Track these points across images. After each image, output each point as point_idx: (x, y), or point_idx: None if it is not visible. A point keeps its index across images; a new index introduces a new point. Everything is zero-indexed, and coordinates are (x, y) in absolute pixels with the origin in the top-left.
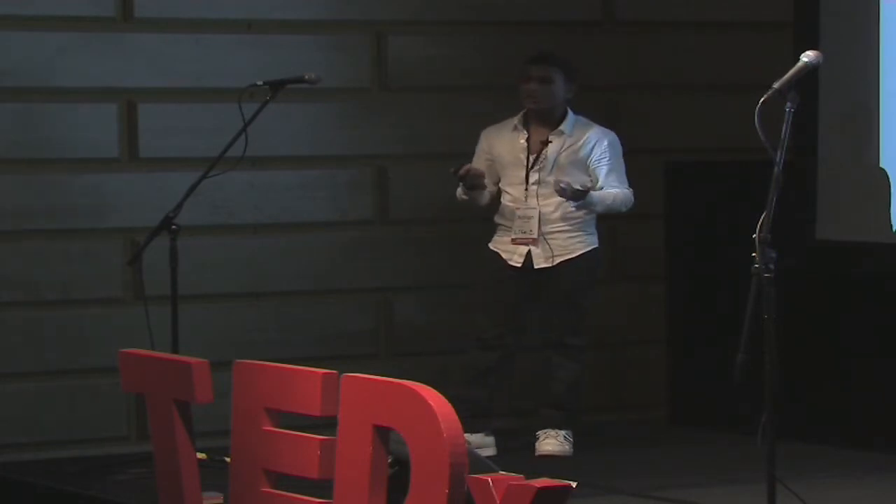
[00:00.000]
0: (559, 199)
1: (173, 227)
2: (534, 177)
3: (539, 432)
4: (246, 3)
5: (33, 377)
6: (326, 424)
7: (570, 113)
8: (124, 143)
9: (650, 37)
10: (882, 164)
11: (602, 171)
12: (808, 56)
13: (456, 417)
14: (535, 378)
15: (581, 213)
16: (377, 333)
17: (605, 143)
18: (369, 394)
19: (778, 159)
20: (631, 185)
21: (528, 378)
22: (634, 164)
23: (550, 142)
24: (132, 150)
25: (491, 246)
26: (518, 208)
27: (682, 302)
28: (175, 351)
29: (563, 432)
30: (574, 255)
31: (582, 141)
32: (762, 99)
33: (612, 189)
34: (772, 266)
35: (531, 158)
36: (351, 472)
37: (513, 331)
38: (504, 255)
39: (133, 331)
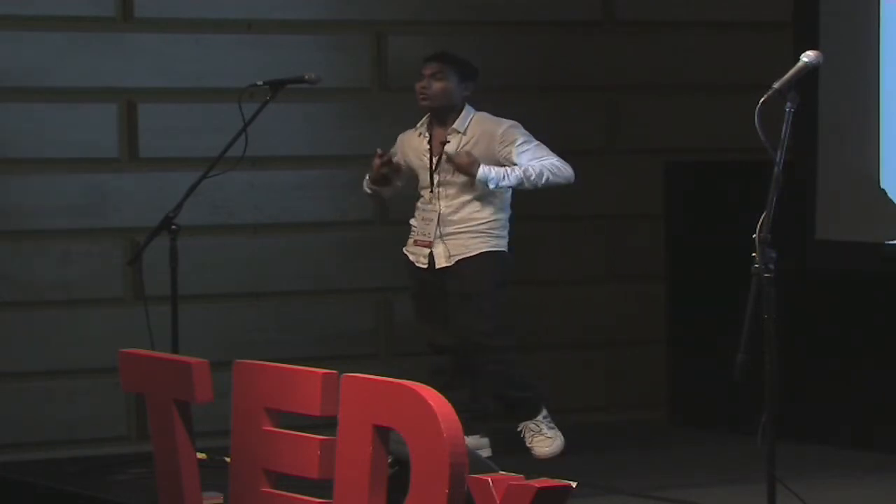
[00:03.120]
0: (461, 199)
1: (173, 227)
2: (437, 178)
3: (520, 426)
4: (246, 3)
5: (33, 377)
6: (326, 424)
7: (467, 109)
8: (124, 143)
9: (650, 37)
10: (882, 165)
11: (513, 155)
12: (808, 56)
13: (456, 417)
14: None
15: (487, 213)
16: (377, 333)
17: (501, 130)
18: (369, 394)
19: (778, 159)
20: (564, 157)
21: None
22: (635, 164)
23: (448, 141)
24: (132, 150)
25: (403, 249)
26: (424, 210)
27: (682, 302)
28: (175, 351)
29: (542, 423)
30: (473, 254)
31: (478, 135)
32: (762, 99)
33: (532, 163)
34: (772, 266)
35: (434, 160)
36: (351, 472)
37: (452, 330)
38: (411, 258)
39: (133, 331)
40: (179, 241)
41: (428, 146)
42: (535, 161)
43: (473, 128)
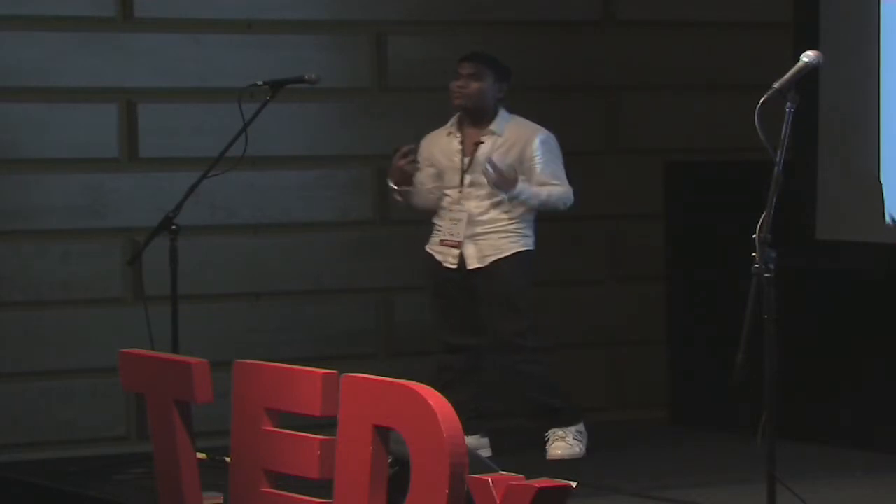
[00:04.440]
0: (491, 200)
1: (173, 227)
2: (467, 178)
3: (547, 433)
4: (246, 3)
5: (33, 377)
6: (326, 424)
7: (503, 112)
8: (124, 143)
9: (650, 37)
10: (882, 165)
11: (536, 169)
12: (808, 56)
13: (456, 417)
14: (502, 380)
15: (516, 213)
16: (377, 333)
17: (537, 140)
18: (369, 394)
19: (778, 159)
20: (570, 182)
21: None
22: (634, 164)
23: (482, 142)
24: (132, 150)
25: (427, 248)
26: (451, 210)
27: (682, 302)
28: (175, 351)
29: (571, 429)
30: (507, 254)
31: (514, 140)
32: (762, 99)
33: (549, 186)
34: (772, 266)
35: (465, 161)
36: (351, 472)
37: (468, 332)
38: (438, 257)
39: (133, 331)
40: (179, 241)
41: (459, 146)
42: (553, 187)
43: (510, 131)
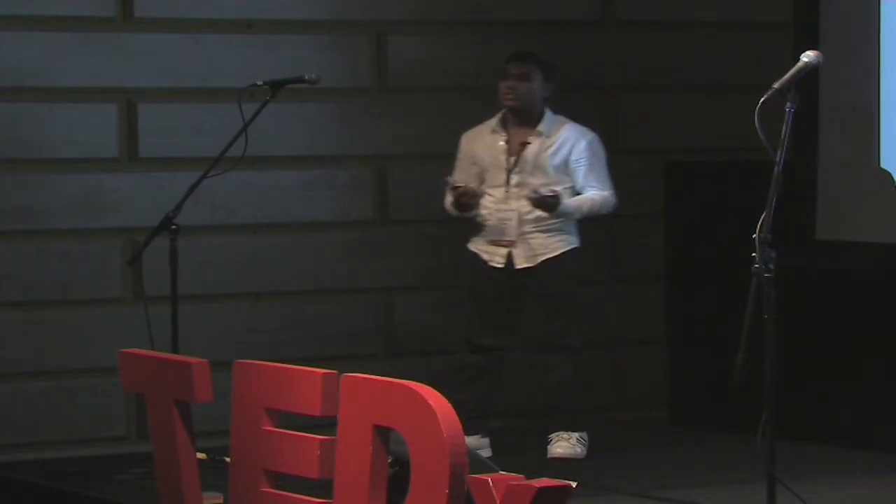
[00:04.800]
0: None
1: (173, 227)
2: (514, 178)
3: (552, 435)
4: (246, 3)
5: (33, 377)
6: (326, 424)
7: (549, 113)
8: (124, 143)
9: (650, 37)
10: (882, 165)
11: (581, 172)
12: (808, 56)
13: (456, 417)
14: (529, 379)
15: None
16: (377, 333)
17: (584, 143)
18: (369, 394)
19: (778, 159)
20: (615, 185)
21: (517, 378)
22: (634, 164)
23: (530, 143)
24: (132, 150)
25: (470, 247)
26: (498, 210)
27: (682, 302)
28: (175, 351)
29: (575, 434)
30: (556, 254)
31: (560, 141)
32: (762, 99)
33: (591, 192)
34: (772, 266)
35: (511, 160)
36: (351, 472)
37: (501, 332)
38: (484, 256)
39: (133, 331)
40: (179, 241)
41: (505, 145)
42: (595, 190)
43: (557, 132)
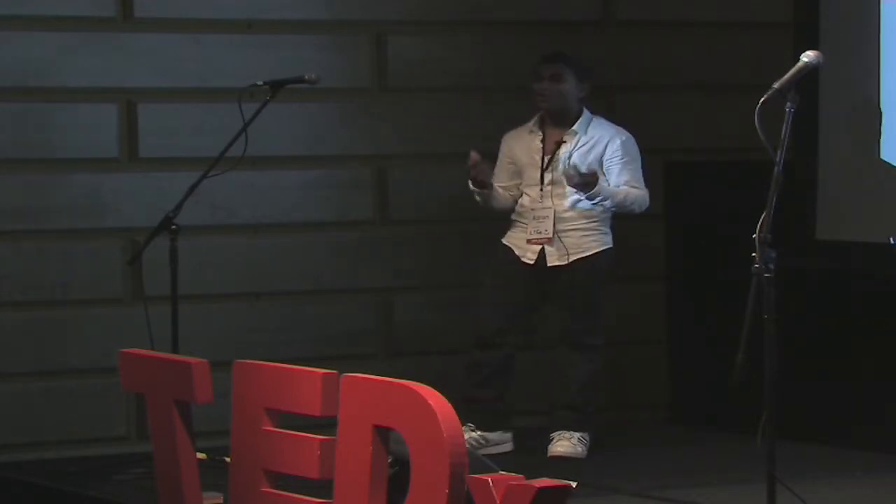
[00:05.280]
0: (574, 198)
1: (173, 227)
2: (548, 177)
3: (553, 434)
4: (246, 3)
5: (33, 377)
6: (326, 424)
7: (586, 112)
8: (124, 143)
9: (650, 37)
10: (882, 164)
11: (615, 171)
12: (808, 56)
13: (456, 417)
14: (548, 377)
15: (596, 211)
16: (377, 333)
17: (618, 142)
18: (369, 394)
19: (778, 159)
20: (647, 186)
21: (542, 377)
22: None
23: (564, 142)
24: (132, 150)
25: (504, 241)
26: (534, 209)
27: (682, 302)
28: (175, 351)
29: (577, 434)
30: (589, 254)
31: (595, 140)
32: (762, 99)
33: (625, 187)
34: (772, 266)
35: (546, 159)
36: (351, 472)
37: (517, 329)
38: (517, 252)
39: (133, 331)
40: (179, 241)
41: (541, 144)
42: (630, 188)
43: (592, 131)
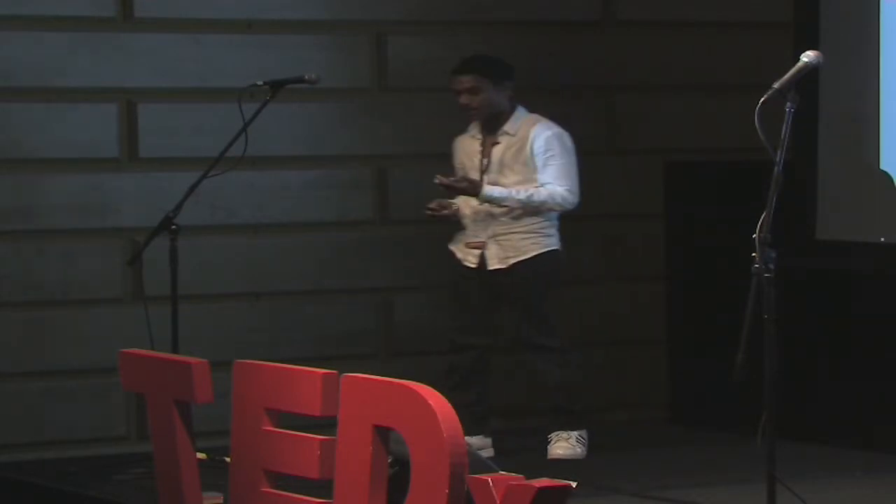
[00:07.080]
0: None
1: (173, 227)
2: (485, 179)
3: (551, 434)
4: (246, 3)
5: (33, 377)
6: (326, 424)
7: (518, 111)
8: (124, 143)
9: (650, 37)
10: (882, 165)
11: (539, 166)
12: (808, 56)
13: (456, 417)
14: (517, 379)
15: (537, 215)
16: (377, 333)
17: (543, 138)
18: (369, 394)
19: (778, 159)
20: (581, 183)
21: (513, 378)
22: (634, 164)
23: (498, 143)
24: (132, 150)
25: (450, 246)
26: (473, 211)
27: (682, 302)
28: (175, 351)
29: (575, 433)
30: (528, 256)
31: (524, 138)
32: (762, 99)
33: (547, 185)
34: (772, 266)
35: (484, 162)
36: (351, 472)
37: (478, 329)
38: (459, 255)
39: (133, 331)
40: (179, 241)
41: (480, 148)
42: (550, 185)
43: (524, 130)
